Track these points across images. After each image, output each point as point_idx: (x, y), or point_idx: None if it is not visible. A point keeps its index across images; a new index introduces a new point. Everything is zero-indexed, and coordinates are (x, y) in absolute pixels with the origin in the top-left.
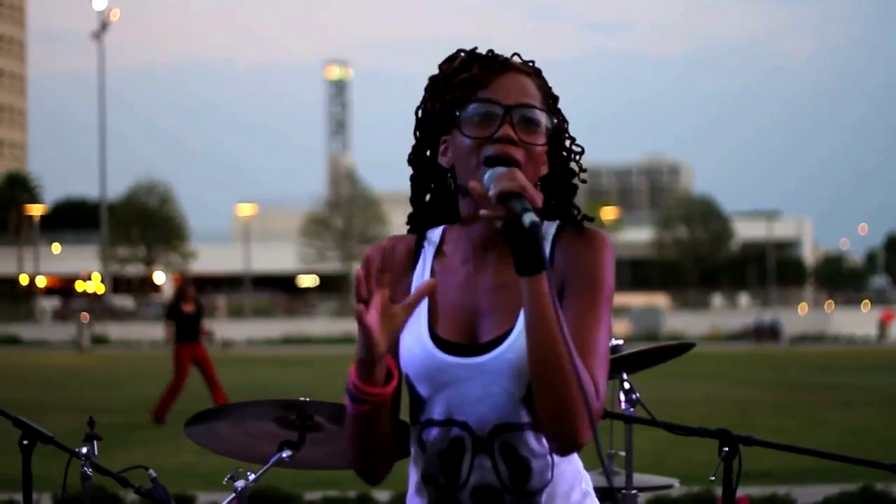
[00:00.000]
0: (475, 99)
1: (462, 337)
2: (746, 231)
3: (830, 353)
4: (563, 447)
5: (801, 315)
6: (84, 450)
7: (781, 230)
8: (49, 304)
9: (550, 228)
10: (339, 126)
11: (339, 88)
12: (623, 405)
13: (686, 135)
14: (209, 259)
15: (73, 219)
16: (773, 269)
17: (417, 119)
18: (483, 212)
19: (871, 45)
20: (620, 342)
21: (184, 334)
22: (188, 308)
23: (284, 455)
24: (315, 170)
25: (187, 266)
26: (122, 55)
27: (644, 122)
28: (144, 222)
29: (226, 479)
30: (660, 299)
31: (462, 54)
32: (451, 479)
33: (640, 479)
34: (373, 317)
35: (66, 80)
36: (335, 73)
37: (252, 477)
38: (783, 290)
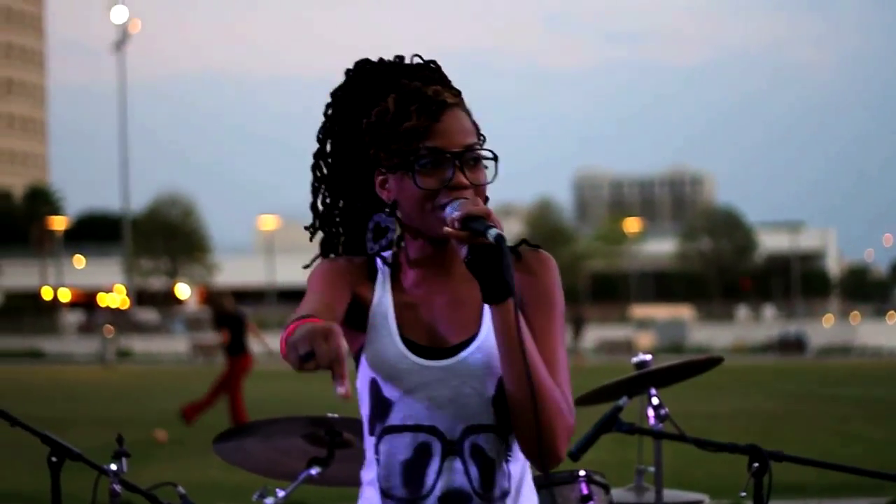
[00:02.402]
0: (423, 150)
1: (430, 343)
2: (770, 242)
3: (857, 366)
4: (544, 464)
5: (826, 327)
6: (113, 466)
7: (806, 241)
8: (73, 317)
9: None
10: None
11: None
12: (652, 421)
13: (706, 144)
14: (232, 272)
15: (95, 232)
16: (797, 281)
17: (334, 146)
18: (447, 229)
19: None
20: (648, 357)
21: (233, 345)
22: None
23: (313, 472)
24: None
25: (211, 279)
26: (141, 68)
27: (666, 133)
28: (167, 235)
29: (255, 496)
30: (684, 311)
31: (392, 96)
32: (413, 490)
33: (669, 494)
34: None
35: (87, 92)
36: None
37: (281, 494)
38: (808, 301)
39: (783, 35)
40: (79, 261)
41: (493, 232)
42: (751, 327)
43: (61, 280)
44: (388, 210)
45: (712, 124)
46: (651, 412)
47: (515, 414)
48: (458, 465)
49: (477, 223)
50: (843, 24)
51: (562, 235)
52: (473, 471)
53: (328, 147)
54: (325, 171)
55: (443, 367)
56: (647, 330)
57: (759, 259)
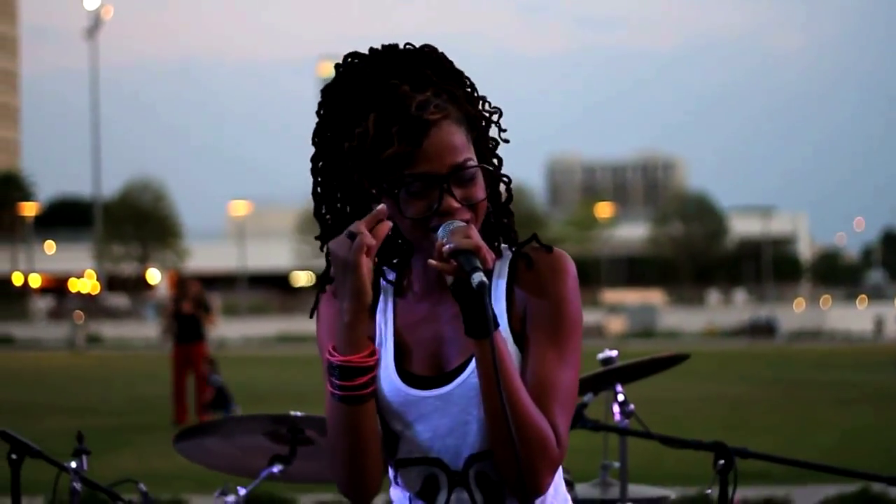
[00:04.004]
0: (409, 178)
1: (430, 370)
2: (742, 227)
3: (827, 350)
4: (523, 498)
5: (797, 311)
6: (73, 464)
7: (777, 226)
8: (43, 303)
9: (504, 266)
10: None
11: None
12: (617, 417)
13: (680, 130)
14: (204, 257)
15: (66, 217)
16: (769, 265)
17: (326, 166)
18: (432, 262)
19: (864, 37)
20: (614, 353)
21: (180, 335)
22: (186, 308)
23: (275, 469)
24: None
25: (182, 264)
26: (115, 51)
27: (637, 118)
28: (138, 220)
29: (216, 494)
30: (655, 296)
31: (372, 116)
32: None
33: (634, 490)
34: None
35: (60, 78)
36: (328, 69)
37: (242, 492)
38: (779, 286)
39: (756, 21)
40: (49, 246)
41: (476, 277)
42: (722, 312)
43: (32, 266)
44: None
45: (685, 109)
46: (617, 408)
47: (494, 449)
48: (464, 496)
49: (465, 259)
50: (817, 10)
51: (534, 220)
52: (479, 499)
53: (322, 150)
54: (321, 177)
55: (440, 396)
56: (618, 315)
57: (730, 244)
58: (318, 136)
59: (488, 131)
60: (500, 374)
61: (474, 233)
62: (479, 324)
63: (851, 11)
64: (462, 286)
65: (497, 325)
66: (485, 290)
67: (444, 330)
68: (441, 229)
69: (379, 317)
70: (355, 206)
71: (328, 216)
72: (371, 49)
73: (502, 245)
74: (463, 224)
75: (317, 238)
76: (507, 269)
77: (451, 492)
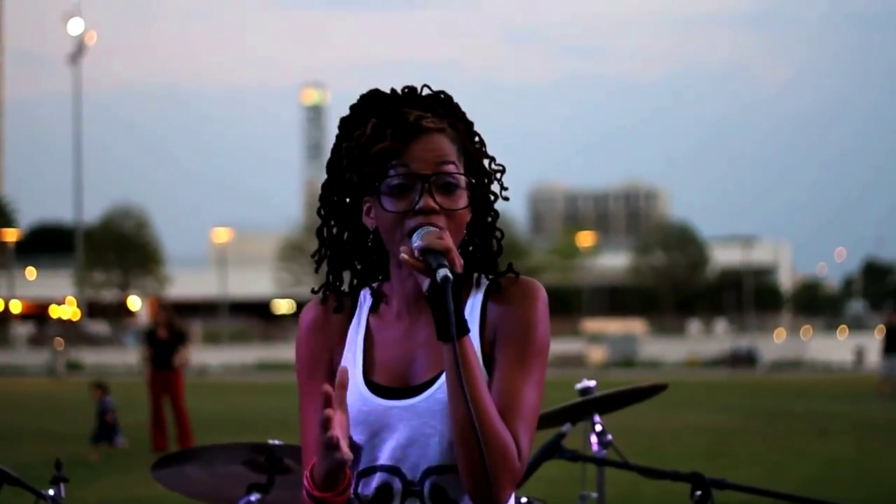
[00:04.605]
0: (392, 171)
1: (397, 383)
2: (724, 256)
3: (807, 381)
4: None
5: (777, 341)
6: (51, 492)
7: (759, 255)
8: (24, 329)
9: (479, 294)
10: (315, 150)
11: (315, 113)
12: (595, 447)
13: (664, 160)
14: (185, 284)
15: (48, 243)
16: (750, 295)
17: (330, 180)
18: (402, 256)
19: (851, 72)
20: (592, 384)
21: (156, 360)
22: (162, 334)
23: (252, 498)
24: (291, 194)
25: (163, 291)
26: (98, 78)
27: (621, 147)
28: (120, 247)
29: None
30: (636, 325)
31: (371, 119)
32: None
33: None
34: (341, 442)
35: (42, 103)
36: (312, 97)
37: None
38: (760, 315)
39: (741, 52)
40: (31, 272)
41: (441, 272)
42: (703, 341)
43: (13, 292)
44: (371, 238)
45: (668, 139)
46: (594, 439)
47: (457, 455)
48: None
49: (433, 257)
50: (797, 38)
51: (516, 249)
52: None
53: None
54: (330, 201)
55: (406, 408)
56: (599, 344)
57: (711, 273)
58: (331, 165)
59: (487, 181)
60: (465, 375)
61: (447, 236)
62: (445, 322)
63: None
64: (434, 289)
65: (467, 329)
66: (448, 285)
67: (417, 349)
68: (415, 235)
69: (352, 331)
70: (348, 222)
71: (326, 238)
72: (391, 90)
73: (481, 276)
74: (435, 230)
75: (312, 256)
76: (481, 296)
77: (404, 500)
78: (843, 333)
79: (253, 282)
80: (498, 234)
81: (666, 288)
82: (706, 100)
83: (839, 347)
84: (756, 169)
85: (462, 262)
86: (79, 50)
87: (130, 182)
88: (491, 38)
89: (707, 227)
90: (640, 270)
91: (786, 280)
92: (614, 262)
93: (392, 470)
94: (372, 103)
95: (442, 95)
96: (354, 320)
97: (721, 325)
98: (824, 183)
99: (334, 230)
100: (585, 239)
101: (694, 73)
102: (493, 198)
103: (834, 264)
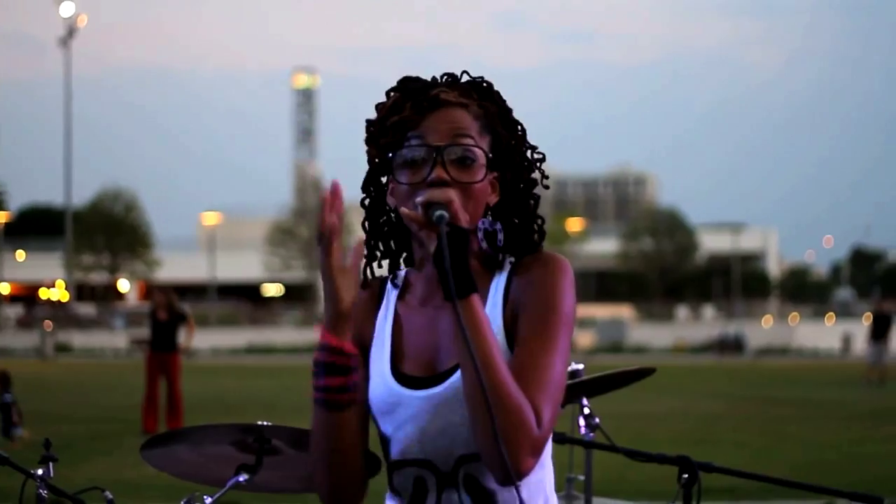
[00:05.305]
0: (406, 142)
1: (423, 371)
2: (712, 243)
3: (794, 367)
4: (501, 477)
5: (765, 328)
6: (40, 471)
7: (747, 242)
8: (12, 311)
9: (503, 273)
10: (305, 134)
11: (306, 97)
12: (583, 430)
13: (653, 146)
14: (174, 267)
15: (37, 226)
16: (738, 282)
17: (369, 162)
18: (403, 209)
19: (843, 60)
20: (580, 367)
21: (154, 342)
22: (161, 315)
23: (241, 478)
24: (281, 178)
25: (152, 274)
26: (88, 61)
27: (611, 133)
28: (110, 230)
29: (182, 503)
30: (625, 311)
31: (394, 93)
32: None
33: (599, 503)
34: (336, 268)
35: (32, 86)
36: (302, 81)
37: (208, 501)
38: (748, 302)
39: (731, 37)
40: (20, 255)
41: (438, 212)
42: (690, 327)
43: (2, 274)
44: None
45: (658, 125)
46: (582, 421)
47: (471, 421)
48: (454, 497)
49: (434, 208)
50: (789, 25)
51: None
52: (467, 501)
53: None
54: (366, 186)
55: (430, 396)
56: (587, 329)
57: (700, 259)
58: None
59: (522, 173)
60: (470, 334)
61: (451, 192)
62: (445, 279)
63: (834, 34)
64: (438, 251)
65: (474, 288)
66: (442, 223)
67: (441, 336)
68: (420, 192)
69: (379, 321)
70: (377, 203)
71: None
72: (433, 77)
73: (506, 258)
74: (442, 188)
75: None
76: (506, 275)
77: (441, 493)
78: (830, 320)
79: (242, 265)
80: (539, 220)
81: (654, 274)
82: (696, 86)
83: (826, 334)
84: (745, 156)
85: (468, 219)
86: (70, 33)
87: (120, 164)
88: (481, 22)
89: (696, 214)
90: (628, 256)
91: (773, 267)
92: (603, 247)
93: (423, 463)
94: (405, 84)
95: (483, 83)
96: (382, 308)
97: (709, 311)
98: (814, 171)
99: (370, 211)
100: (574, 224)
101: (684, 59)
102: (531, 185)
103: (822, 251)
